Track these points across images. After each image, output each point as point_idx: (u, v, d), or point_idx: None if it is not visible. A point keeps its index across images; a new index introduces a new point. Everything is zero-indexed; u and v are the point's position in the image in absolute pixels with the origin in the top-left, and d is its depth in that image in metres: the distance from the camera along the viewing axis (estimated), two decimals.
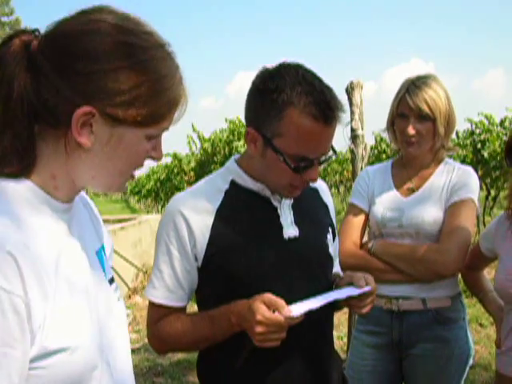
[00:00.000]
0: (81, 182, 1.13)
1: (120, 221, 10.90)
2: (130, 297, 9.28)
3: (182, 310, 1.76)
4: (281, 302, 1.51)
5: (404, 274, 2.38)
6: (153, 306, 1.77)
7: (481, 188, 15.51)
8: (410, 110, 2.37)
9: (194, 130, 13.72)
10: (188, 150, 14.27)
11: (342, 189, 23.41)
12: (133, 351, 6.14)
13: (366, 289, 1.69)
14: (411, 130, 2.38)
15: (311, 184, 1.89)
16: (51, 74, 1.02)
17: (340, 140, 5.87)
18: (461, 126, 14.94)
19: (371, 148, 15.61)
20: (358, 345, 2.59)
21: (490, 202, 14.67)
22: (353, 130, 5.58)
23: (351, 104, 5.59)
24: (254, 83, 1.64)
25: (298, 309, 1.51)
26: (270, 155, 1.61)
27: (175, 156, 14.97)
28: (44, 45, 1.04)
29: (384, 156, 15.03)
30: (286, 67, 1.60)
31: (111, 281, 1.25)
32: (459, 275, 2.49)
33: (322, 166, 1.75)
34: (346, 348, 4.81)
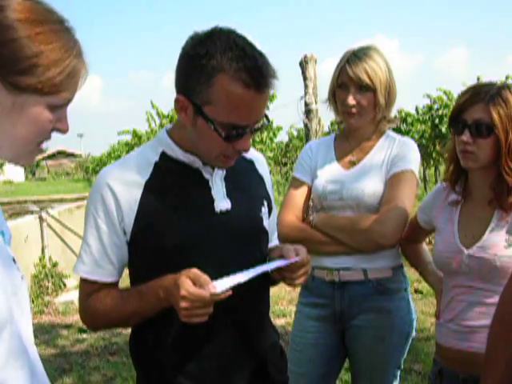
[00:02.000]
0: None
1: (77, 199, 10.77)
2: None
3: (113, 285, 1.72)
4: (205, 277, 1.48)
5: (345, 246, 2.38)
6: (83, 281, 1.72)
7: (439, 162, 15.72)
8: (350, 80, 2.36)
9: (153, 106, 13.62)
10: (147, 127, 14.16)
11: None
12: (88, 331, 6.10)
13: (295, 259, 1.65)
14: (351, 101, 2.36)
15: (247, 156, 1.85)
16: None
17: (295, 115, 5.86)
18: (420, 101, 15.16)
19: (331, 123, 15.66)
20: (300, 318, 2.58)
21: None
22: (306, 105, 5.57)
23: (305, 78, 5.57)
24: (184, 48, 1.57)
25: (224, 284, 1.48)
26: (201, 124, 1.56)
27: (135, 133, 14.83)
28: None
29: None
30: (218, 32, 1.54)
31: (13, 260, 1.25)
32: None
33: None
34: None
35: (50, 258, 8.23)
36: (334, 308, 2.46)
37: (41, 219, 8.42)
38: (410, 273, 2.91)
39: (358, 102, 2.37)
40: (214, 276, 1.51)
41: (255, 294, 1.74)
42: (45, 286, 7.70)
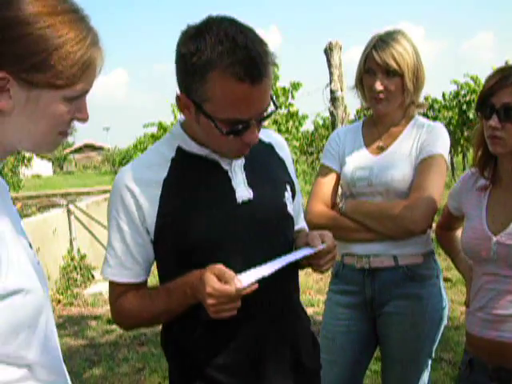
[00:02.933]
0: (9, 146, 1.18)
1: (104, 192, 10.86)
2: None
3: (142, 284, 1.71)
4: (229, 273, 1.46)
5: (375, 232, 2.35)
6: (111, 283, 1.72)
7: (467, 149, 15.54)
8: (377, 65, 2.32)
9: None
10: (173, 119, 14.15)
11: None
12: None
13: (321, 246, 1.63)
14: (379, 86, 2.32)
15: (266, 139, 1.81)
16: None
17: (321, 104, 5.79)
18: (447, 88, 15.03)
19: (357, 111, 15.52)
20: (331, 305, 2.56)
21: None
22: (332, 92, 5.50)
23: (330, 65, 5.50)
24: (177, 45, 1.51)
25: (249, 278, 1.46)
26: (203, 121, 1.52)
27: (161, 125, 14.81)
28: None
29: None
30: (209, 24, 1.47)
31: (30, 246, 1.26)
32: (432, 233, 2.45)
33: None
34: None
35: (78, 251, 8.32)
36: (364, 295, 2.43)
37: (69, 212, 8.51)
38: (439, 261, 2.86)
39: (385, 87, 2.32)
40: (241, 268, 1.49)
41: (284, 281, 1.70)
42: (73, 278, 7.80)
